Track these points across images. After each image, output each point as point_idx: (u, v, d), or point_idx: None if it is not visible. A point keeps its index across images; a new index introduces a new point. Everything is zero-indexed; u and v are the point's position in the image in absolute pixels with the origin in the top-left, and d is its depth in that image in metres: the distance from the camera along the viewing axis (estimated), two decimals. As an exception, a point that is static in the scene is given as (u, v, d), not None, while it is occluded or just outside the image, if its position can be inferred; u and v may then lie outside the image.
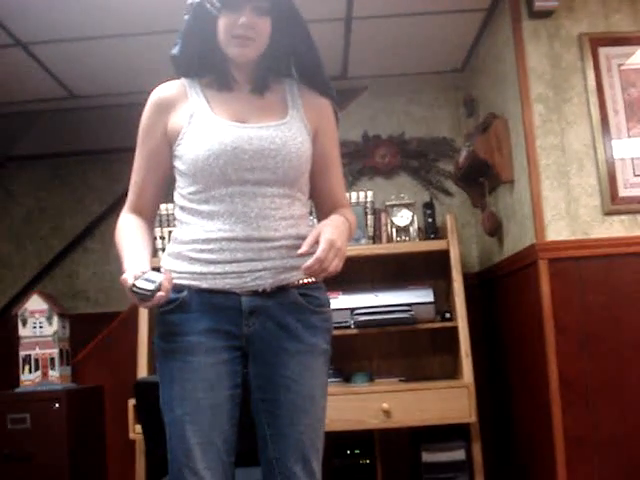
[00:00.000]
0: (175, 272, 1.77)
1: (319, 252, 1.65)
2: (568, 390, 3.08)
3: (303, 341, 1.79)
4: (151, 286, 1.58)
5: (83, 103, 4.59)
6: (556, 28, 3.34)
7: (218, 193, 1.75)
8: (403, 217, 3.94)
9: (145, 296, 1.58)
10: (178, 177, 1.84)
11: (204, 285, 1.75)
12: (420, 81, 4.49)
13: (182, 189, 1.82)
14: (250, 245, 1.74)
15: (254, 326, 1.77)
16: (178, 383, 1.75)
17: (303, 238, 1.76)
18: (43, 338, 3.90)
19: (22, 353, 3.90)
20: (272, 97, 1.88)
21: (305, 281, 1.80)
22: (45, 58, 3.93)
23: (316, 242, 1.68)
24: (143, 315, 3.69)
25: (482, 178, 3.95)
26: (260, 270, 1.75)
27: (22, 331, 3.91)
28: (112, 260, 4.85)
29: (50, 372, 3.88)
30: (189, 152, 1.77)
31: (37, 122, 4.89)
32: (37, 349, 3.89)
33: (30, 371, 3.88)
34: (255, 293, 1.76)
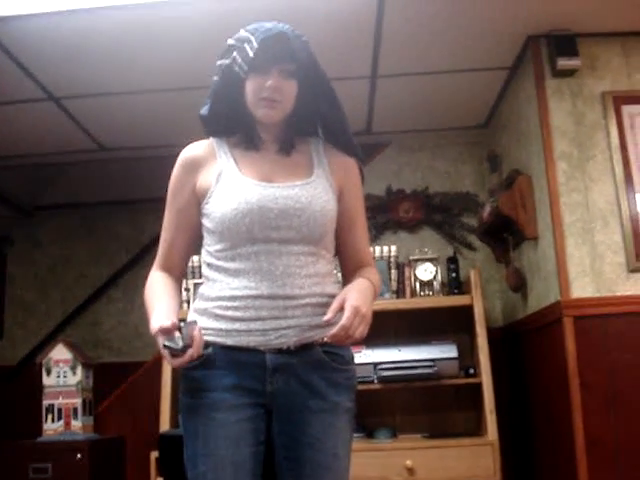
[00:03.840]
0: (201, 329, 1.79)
1: (344, 320, 1.65)
2: (594, 449, 3.03)
3: (327, 399, 1.78)
4: (181, 343, 1.60)
5: (111, 155, 4.68)
6: (579, 86, 3.38)
7: (244, 251, 1.77)
8: (427, 271, 3.95)
9: (175, 351, 1.60)
10: (206, 234, 1.86)
11: (229, 342, 1.76)
12: (444, 136, 4.53)
13: (209, 246, 1.84)
14: (275, 303, 1.75)
15: (278, 384, 1.77)
16: (202, 439, 1.74)
17: (329, 296, 1.78)
18: (67, 388, 3.91)
19: (45, 402, 3.91)
20: (298, 157, 1.90)
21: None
22: (76, 112, 4.03)
23: (341, 308, 1.69)
24: (167, 366, 3.70)
25: (506, 234, 3.96)
26: (285, 328, 1.76)
27: (46, 380, 3.93)
28: (136, 309, 4.89)
29: (73, 422, 3.88)
30: (216, 210, 1.79)
31: (66, 173, 4.99)
32: (60, 398, 3.91)
33: (53, 420, 3.89)
34: (279, 351, 1.76)
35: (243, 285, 1.76)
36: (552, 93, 3.38)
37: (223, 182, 1.82)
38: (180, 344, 1.61)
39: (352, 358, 1.88)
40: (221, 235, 1.79)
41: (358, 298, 1.71)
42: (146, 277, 1.88)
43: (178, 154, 1.90)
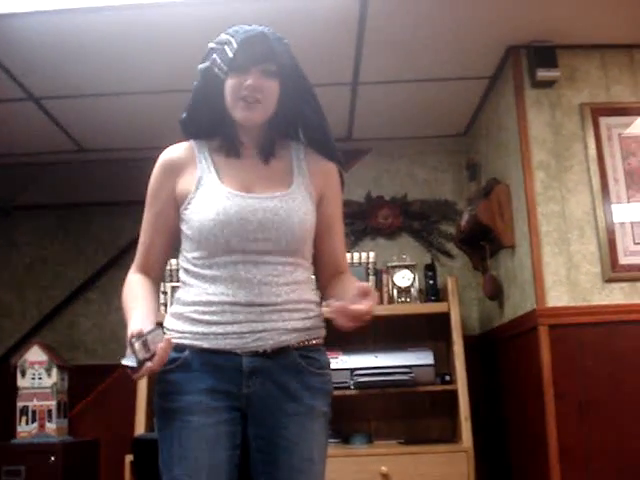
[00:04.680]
0: (177, 332, 1.78)
1: (370, 302, 1.60)
2: (567, 456, 3.06)
3: (302, 402, 1.78)
4: (134, 362, 1.56)
5: (90, 156, 4.66)
6: (558, 97, 3.42)
7: (222, 260, 1.77)
8: (404, 278, 3.96)
9: (132, 368, 1.57)
10: (184, 240, 1.86)
11: (205, 345, 1.76)
12: (424, 144, 4.56)
13: (187, 252, 1.83)
14: (252, 309, 1.76)
15: (254, 387, 1.77)
16: (177, 442, 1.73)
17: (306, 302, 1.80)
18: (41, 390, 3.88)
19: (20, 404, 3.88)
20: (278, 164, 1.89)
21: (306, 343, 1.81)
22: (56, 112, 4.01)
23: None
24: (142, 369, 3.67)
25: (483, 242, 3.98)
26: (261, 331, 1.76)
27: (21, 382, 3.90)
28: (113, 312, 4.86)
29: (47, 424, 3.85)
30: (195, 219, 1.79)
31: (44, 173, 4.95)
32: (35, 400, 3.87)
33: (27, 423, 3.85)
34: (256, 354, 1.76)
35: (220, 291, 1.76)
36: (531, 103, 3.42)
37: (203, 190, 1.81)
38: (136, 361, 1.56)
39: (328, 363, 1.88)
40: (199, 243, 1.79)
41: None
42: (123, 279, 1.87)
43: (157, 157, 1.89)
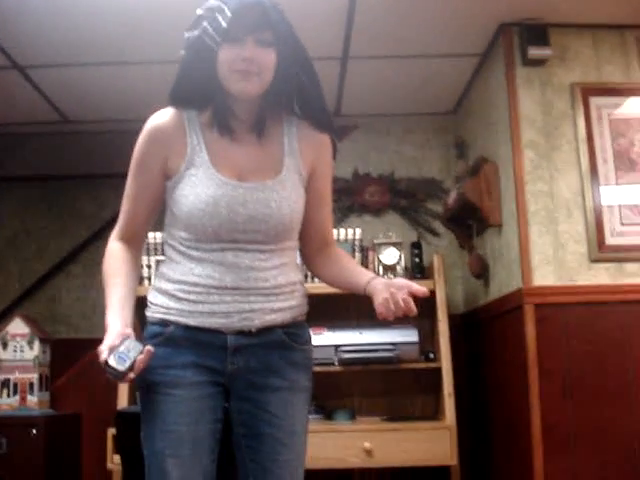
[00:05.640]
0: (162, 307, 1.77)
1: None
2: (550, 435, 3.08)
3: (285, 377, 1.78)
4: (122, 367, 1.56)
5: (75, 128, 4.61)
6: (549, 76, 3.40)
7: (209, 246, 1.74)
8: (390, 255, 3.95)
9: (116, 376, 1.57)
10: (170, 216, 1.81)
11: (191, 322, 1.74)
12: (412, 121, 4.53)
13: (173, 229, 1.80)
14: (239, 292, 1.74)
15: (238, 363, 1.76)
16: (160, 416, 1.72)
17: (292, 284, 1.80)
18: (23, 362, 3.86)
19: (1, 377, 3.86)
20: (269, 144, 1.82)
21: (290, 320, 1.81)
22: (41, 82, 3.95)
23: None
24: (125, 343, 3.65)
25: (470, 220, 3.98)
26: (248, 312, 1.74)
27: (2, 354, 3.88)
28: (95, 286, 4.78)
29: (29, 397, 3.83)
30: (183, 203, 1.74)
31: (27, 144, 4.89)
32: (17, 373, 3.86)
33: (8, 395, 3.84)
34: (241, 332, 1.75)
35: (206, 274, 1.74)
36: (522, 82, 3.40)
37: (193, 171, 1.75)
38: (121, 367, 1.56)
39: (310, 338, 1.88)
40: (187, 227, 1.75)
41: None
42: (107, 253, 1.84)
43: (141, 129, 1.81)
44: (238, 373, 1.76)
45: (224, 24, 1.67)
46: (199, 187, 1.74)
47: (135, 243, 1.86)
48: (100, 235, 4.95)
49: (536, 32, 3.35)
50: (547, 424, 3.08)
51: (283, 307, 1.78)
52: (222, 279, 1.73)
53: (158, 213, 1.88)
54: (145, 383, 1.76)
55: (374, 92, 4.17)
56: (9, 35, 3.43)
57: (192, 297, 1.74)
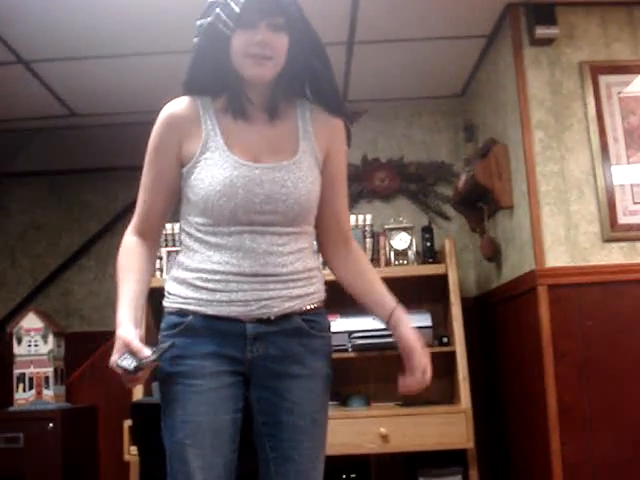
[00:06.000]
0: (180, 297, 1.76)
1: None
2: (566, 416, 3.07)
3: (306, 365, 1.78)
4: (132, 365, 1.58)
5: (83, 121, 4.60)
6: (557, 56, 3.37)
7: (227, 230, 1.73)
8: (402, 241, 3.94)
9: (129, 372, 1.59)
10: (186, 202, 1.81)
11: (209, 312, 1.74)
12: (420, 105, 4.51)
13: (190, 216, 1.79)
14: (256, 279, 1.73)
15: (257, 352, 1.76)
16: (180, 406, 1.73)
17: (309, 270, 1.80)
18: (38, 357, 3.88)
19: (16, 371, 3.88)
20: (284, 126, 1.83)
21: (308, 307, 1.80)
22: (47, 76, 3.94)
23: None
24: (140, 335, 3.66)
25: (481, 203, 3.96)
26: (266, 299, 1.74)
27: (17, 349, 3.89)
28: (107, 278, 4.83)
29: (44, 391, 3.85)
30: (200, 186, 1.74)
31: (36, 139, 4.90)
32: (32, 368, 3.87)
33: (24, 390, 3.85)
34: (260, 320, 1.75)
35: (224, 260, 1.73)
36: (530, 62, 3.37)
37: (209, 155, 1.75)
38: (133, 365, 1.58)
39: (329, 325, 1.89)
40: (204, 211, 1.74)
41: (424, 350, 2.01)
42: (118, 246, 1.83)
43: (152, 121, 1.81)
44: (258, 361, 1.76)
45: (237, 9, 1.69)
46: (215, 169, 1.74)
47: (151, 237, 1.86)
48: (110, 228, 4.97)
49: (543, 11, 3.32)
50: (563, 405, 3.07)
51: (301, 294, 1.77)
52: (240, 265, 1.73)
53: (174, 206, 1.87)
54: (164, 373, 1.76)
55: (381, 77, 4.15)
56: (14, 30, 3.42)
57: (210, 285, 1.74)
